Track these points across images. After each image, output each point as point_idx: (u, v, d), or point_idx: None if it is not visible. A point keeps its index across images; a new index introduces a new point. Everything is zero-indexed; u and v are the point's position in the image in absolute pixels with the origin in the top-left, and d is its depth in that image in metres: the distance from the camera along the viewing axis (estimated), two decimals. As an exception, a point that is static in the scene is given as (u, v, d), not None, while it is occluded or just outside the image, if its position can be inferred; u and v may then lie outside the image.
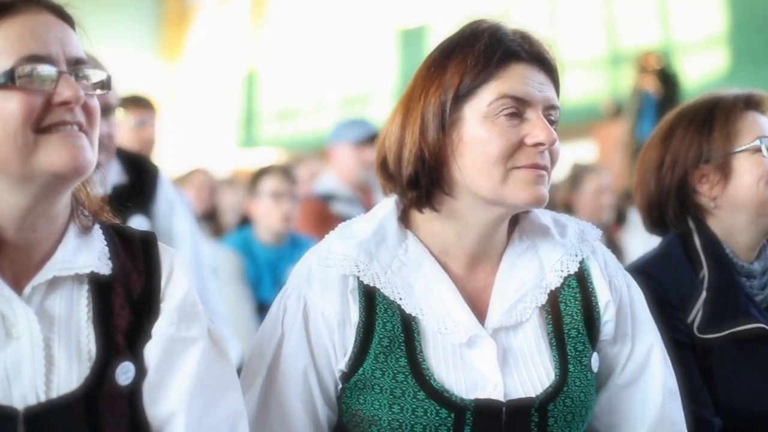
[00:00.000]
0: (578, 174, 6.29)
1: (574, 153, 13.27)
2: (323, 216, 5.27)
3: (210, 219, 7.11)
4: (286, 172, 5.41)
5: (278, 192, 5.21)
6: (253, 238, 5.25)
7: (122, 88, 5.25)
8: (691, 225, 2.60)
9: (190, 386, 1.73)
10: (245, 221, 5.94)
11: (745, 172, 2.52)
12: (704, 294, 2.48)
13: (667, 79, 12.14)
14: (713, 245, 2.56)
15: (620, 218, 7.22)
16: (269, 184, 5.25)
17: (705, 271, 2.52)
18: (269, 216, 5.20)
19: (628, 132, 11.50)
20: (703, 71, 14.94)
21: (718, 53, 15.52)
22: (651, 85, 11.58)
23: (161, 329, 1.75)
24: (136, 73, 17.78)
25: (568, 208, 5.97)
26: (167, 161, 13.69)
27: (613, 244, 6.29)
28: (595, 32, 16.85)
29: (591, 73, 15.71)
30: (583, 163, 6.95)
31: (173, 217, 3.59)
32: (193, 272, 3.57)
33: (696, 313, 2.47)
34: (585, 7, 16.71)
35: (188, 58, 21.62)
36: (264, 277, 5.08)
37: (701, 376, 2.44)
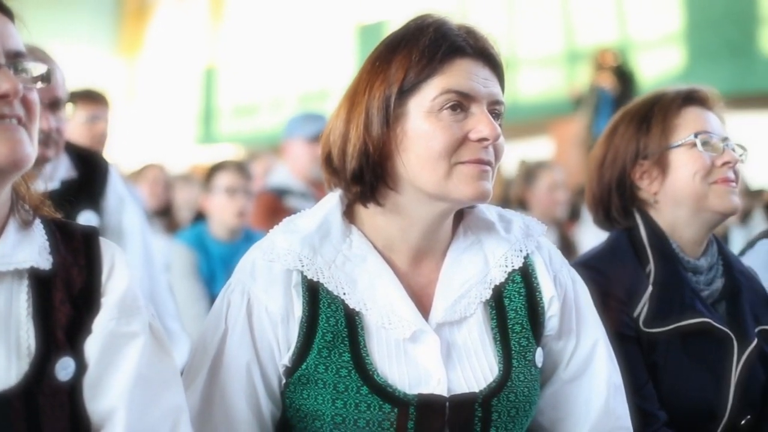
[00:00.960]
0: (532, 170, 6.32)
1: (531, 149, 13.37)
2: (277, 210, 5.26)
3: (164, 215, 7.08)
4: (240, 167, 5.40)
5: (232, 187, 5.20)
6: (207, 234, 5.23)
7: (79, 83, 5.21)
8: (638, 220, 2.63)
9: (131, 382, 1.72)
10: (200, 217, 5.93)
11: (681, 167, 2.56)
12: (650, 288, 2.51)
13: (624, 76, 12.22)
14: (659, 240, 2.59)
15: (574, 214, 7.28)
16: (223, 179, 5.25)
17: (651, 265, 2.55)
18: (223, 212, 5.19)
19: (585, 128, 11.59)
20: (659, 68, 15.08)
21: (674, 50, 15.66)
22: (607, 82, 11.67)
23: (101, 324, 1.73)
24: (95, 69, 17.67)
25: (522, 204, 6.01)
26: (125, 157, 13.62)
27: (567, 240, 6.34)
28: (552, 29, 16.95)
29: (548, 70, 15.80)
30: (537, 159, 6.97)
31: (123, 213, 3.57)
32: (143, 268, 3.56)
33: (642, 308, 2.50)
34: (542, 4, 16.79)
35: (147, 53, 21.50)
36: (218, 273, 5.06)
37: (646, 370, 2.47)
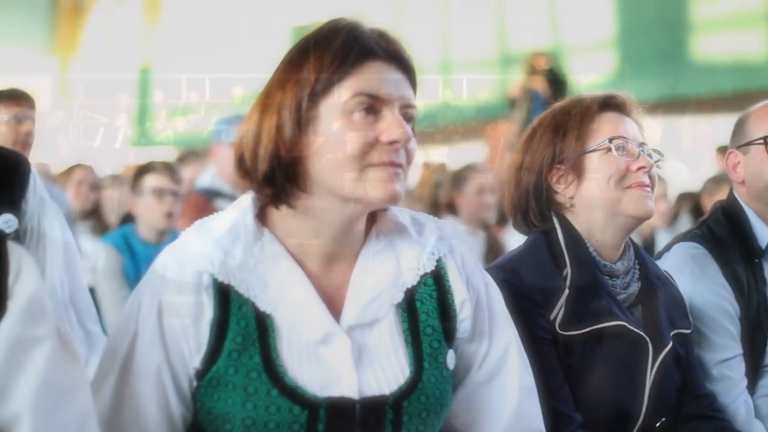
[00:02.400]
0: (461, 174, 6.35)
1: (465, 154, 13.44)
2: (206, 212, 5.19)
3: (92, 216, 7.00)
4: (169, 169, 5.37)
5: (160, 189, 5.17)
6: (135, 236, 5.20)
7: (12, 83, 5.13)
8: (555, 224, 2.67)
9: (36, 387, 1.71)
10: (128, 219, 5.88)
11: (596, 171, 2.60)
12: (567, 292, 2.55)
13: (556, 81, 12.36)
14: (576, 244, 2.63)
15: (504, 218, 7.31)
16: (151, 181, 5.21)
17: (568, 269, 2.59)
18: (151, 213, 5.16)
19: (517, 133, 11.68)
20: (591, 72, 15.30)
21: (607, 56, 15.91)
22: (540, 87, 11.78)
23: (6, 328, 1.72)
24: (28, 69, 17.44)
25: (451, 207, 6.03)
26: (58, 157, 13.45)
27: (495, 244, 6.38)
28: (486, 34, 17.13)
29: (482, 74, 15.94)
30: (466, 162, 7.00)
31: (43, 215, 3.53)
32: (64, 271, 3.52)
33: (558, 311, 2.53)
34: (476, 9, 16.93)
35: (83, 53, 21.26)
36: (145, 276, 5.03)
37: (562, 372, 2.50)
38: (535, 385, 2.16)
